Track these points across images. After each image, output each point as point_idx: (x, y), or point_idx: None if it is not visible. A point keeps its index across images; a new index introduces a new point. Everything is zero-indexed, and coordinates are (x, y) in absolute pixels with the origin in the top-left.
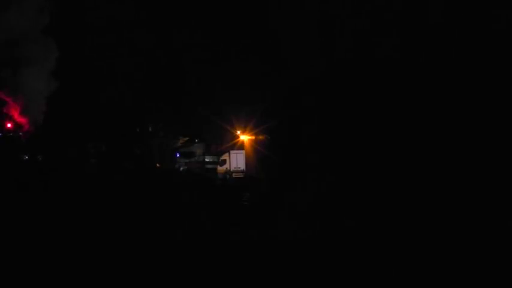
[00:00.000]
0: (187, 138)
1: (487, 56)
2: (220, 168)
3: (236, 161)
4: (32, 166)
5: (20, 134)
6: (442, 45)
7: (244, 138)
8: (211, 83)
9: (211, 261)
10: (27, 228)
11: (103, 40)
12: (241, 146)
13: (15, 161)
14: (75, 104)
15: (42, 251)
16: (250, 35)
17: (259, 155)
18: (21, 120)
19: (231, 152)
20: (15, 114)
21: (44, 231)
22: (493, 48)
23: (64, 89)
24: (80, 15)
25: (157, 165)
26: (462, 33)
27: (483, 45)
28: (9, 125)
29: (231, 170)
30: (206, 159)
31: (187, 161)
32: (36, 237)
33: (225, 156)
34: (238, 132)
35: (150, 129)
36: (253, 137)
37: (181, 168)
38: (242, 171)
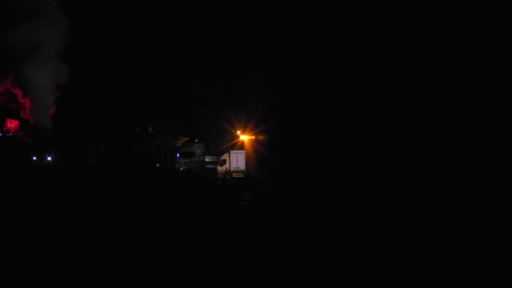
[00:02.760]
0: (187, 138)
1: (488, 54)
2: (220, 168)
3: (236, 161)
4: (37, 167)
5: (20, 133)
6: (441, 44)
7: (244, 138)
8: (212, 83)
9: (211, 262)
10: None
11: (103, 40)
12: (241, 146)
13: (18, 162)
14: (76, 104)
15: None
16: (250, 35)
17: (259, 155)
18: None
19: (231, 152)
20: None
21: (45, 229)
22: (492, 46)
23: (63, 89)
24: (81, 15)
25: (157, 165)
26: (461, 32)
27: (483, 43)
28: (9, 125)
29: (231, 170)
30: (206, 159)
31: (187, 161)
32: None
33: (225, 156)
34: (238, 132)
35: (150, 129)
36: (253, 137)
37: (181, 168)
38: (242, 171)
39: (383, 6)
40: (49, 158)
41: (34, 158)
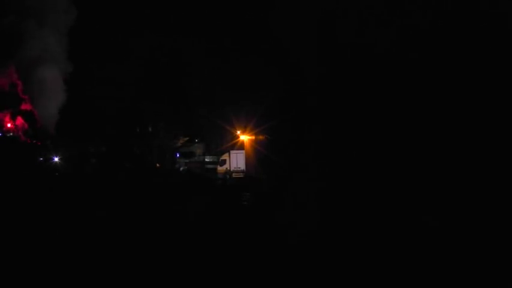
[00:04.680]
0: (187, 138)
1: (487, 53)
2: (220, 168)
3: (236, 161)
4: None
5: (20, 133)
6: (442, 43)
7: (244, 138)
8: (212, 84)
9: (211, 261)
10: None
11: (104, 41)
12: (241, 146)
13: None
14: (76, 104)
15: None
16: (250, 36)
17: (259, 155)
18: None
19: (231, 152)
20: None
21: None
22: (492, 46)
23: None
24: (82, 16)
25: (157, 165)
26: (462, 30)
27: (483, 42)
28: (9, 125)
29: (231, 170)
30: (206, 159)
31: (187, 161)
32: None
33: (225, 156)
34: (238, 132)
35: (150, 129)
36: (253, 137)
37: (181, 168)
38: (242, 171)
39: (385, 8)
40: (56, 159)
41: (41, 159)
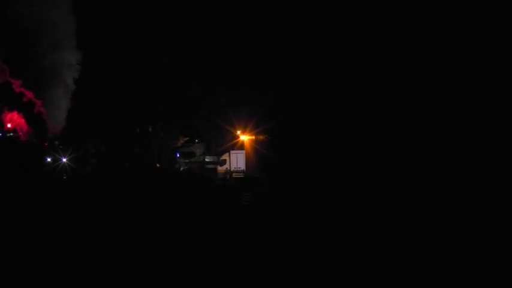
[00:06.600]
0: (187, 138)
1: (485, 55)
2: (220, 168)
3: (236, 161)
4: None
5: (20, 133)
6: (441, 44)
7: (244, 138)
8: (212, 84)
9: (210, 260)
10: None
11: (103, 41)
12: (241, 146)
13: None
14: (76, 104)
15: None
16: (250, 36)
17: (260, 155)
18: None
19: (231, 152)
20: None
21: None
22: (491, 47)
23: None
24: (79, 16)
25: (157, 165)
26: (457, 33)
27: (481, 44)
28: (9, 125)
29: (231, 170)
30: (206, 159)
31: (187, 161)
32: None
33: (225, 156)
34: (238, 132)
35: (150, 129)
36: (254, 137)
37: (181, 168)
38: (242, 171)
39: (382, 10)
40: (64, 160)
41: (48, 159)
